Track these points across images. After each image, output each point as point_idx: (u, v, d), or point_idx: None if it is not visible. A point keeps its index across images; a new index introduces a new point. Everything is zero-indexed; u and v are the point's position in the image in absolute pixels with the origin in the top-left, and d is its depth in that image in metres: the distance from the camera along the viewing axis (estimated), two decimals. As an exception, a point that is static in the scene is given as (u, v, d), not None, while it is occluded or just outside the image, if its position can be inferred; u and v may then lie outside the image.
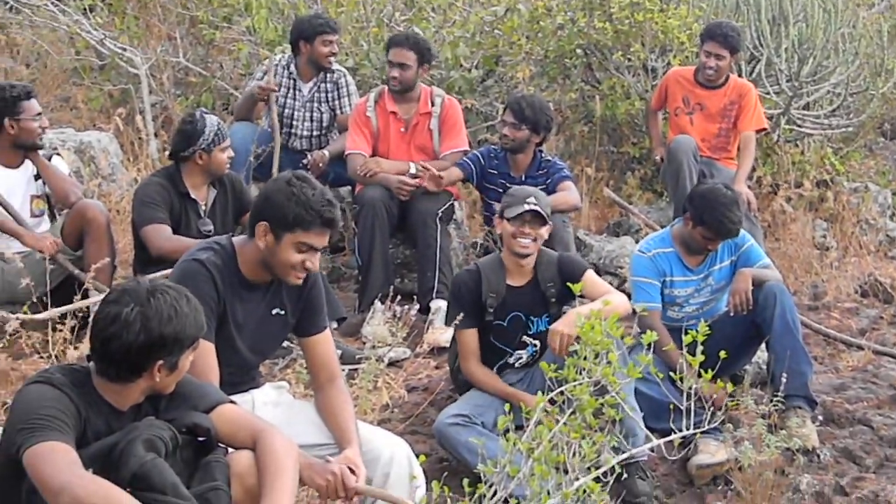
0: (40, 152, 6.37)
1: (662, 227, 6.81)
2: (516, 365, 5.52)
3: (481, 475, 4.19)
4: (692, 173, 7.50)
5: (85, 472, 3.08)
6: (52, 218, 6.57)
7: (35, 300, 5.83)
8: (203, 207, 6.25)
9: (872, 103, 9.49)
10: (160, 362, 3.30)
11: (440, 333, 6.32)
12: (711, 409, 4.66)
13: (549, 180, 6.97)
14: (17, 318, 5.48)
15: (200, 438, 3.42)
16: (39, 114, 6.35)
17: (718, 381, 4.67)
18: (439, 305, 6.60)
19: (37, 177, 6.49)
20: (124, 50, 9.44)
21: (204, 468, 3.33)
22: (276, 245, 4.01)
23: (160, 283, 3.41)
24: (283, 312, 4.30)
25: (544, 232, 5.40)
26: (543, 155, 7.12)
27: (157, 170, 7.07)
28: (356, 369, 5.34)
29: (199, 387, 3.65)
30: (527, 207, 5.28)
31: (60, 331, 5.36)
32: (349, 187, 7.62)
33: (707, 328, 4.39)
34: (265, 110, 7.87)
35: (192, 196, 6.19)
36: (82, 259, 6.24)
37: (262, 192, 4.24)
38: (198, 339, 3.47)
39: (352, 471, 3.80)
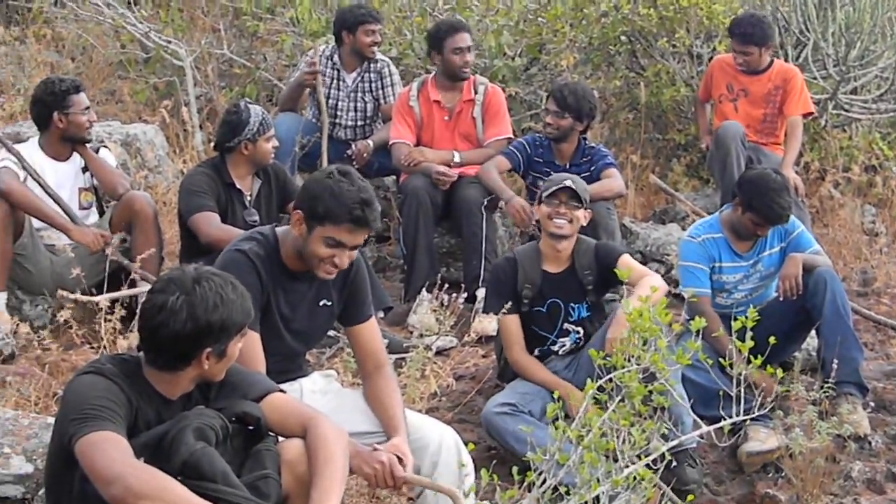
0: (88, 145, 6.42)
1: (709, 213, 6.79)
2: (560, 352, 5.52)
3: (530, 463, 4.21)
4: (740, 159, 7.45)
5: (137, 462, 3.11)
6: (101, 210, 6.62)
7: (84, 291, 5.86)
8: (248, 198, 6.28)
9: (921, 87, 9.38)
10: (208, 350, 3.33)
11: (487, 322, 6.25)
12: (761, 395, 4.65)
13: (593, 167, 6.95)
14: (74, 299, 5.61)
15: (250, 427, 3.45)
16: (88, 108, 6.40)
17: (768, 367, 4.62)
18: (485, 294, 6.59)
19: (84, 169, 6.55)
20: (169, 42, 9.50)
21: (254, 457, 3.36)
22: (308, 236, 4.04)
23: (205, 271, 3.43)
24: (329, 303, 4.33)
25: (580, 215, 5.41)
26: (588, 142, 7.10)
27: (202, 161, 7.12)
28: (403, 358, 5.36)
29: (249, 375, 3.68)
30: (562, 185, 5.29)
31: (110, 321, 5.40)
32: (394, 177, 7.65)
33: (756, 314, 4.37)
34: (310, 101, 7.91)
35: (238, 186, 6.23)
36: (130, 250, 6.29)
37: (306, 181, 4.25)
38: (245, 326, 3.49)
39: (400, 459, 3.83)
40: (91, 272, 6.07)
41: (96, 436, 3.13)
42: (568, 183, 5.34)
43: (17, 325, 5.59)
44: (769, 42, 7.80)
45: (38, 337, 5.63)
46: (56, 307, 6.11)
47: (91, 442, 3.12)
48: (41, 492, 4.33)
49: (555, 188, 5.34)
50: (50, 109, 6.31)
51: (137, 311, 5.84)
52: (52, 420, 4.52)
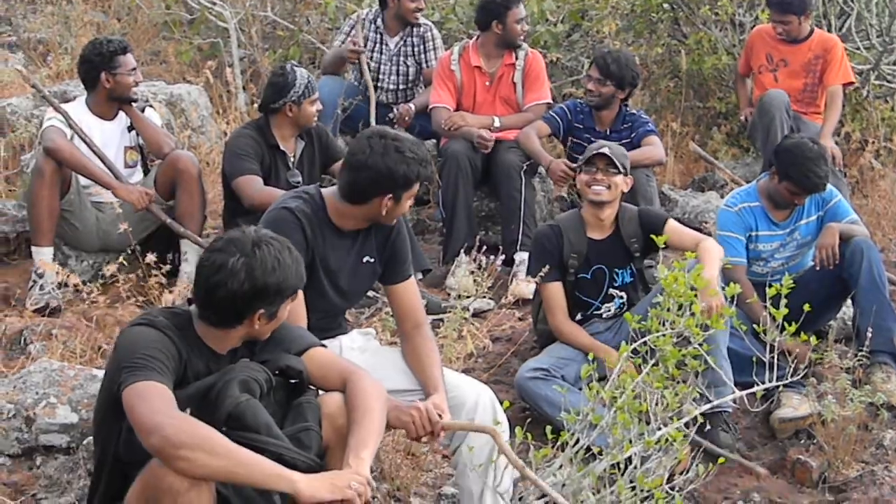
0: (134, 105, 6.49)
1: (748, 182, 6.79)
2: (604, 316, 5.56)
3: (564, 424, 4.27)
4: (784, 127, 7.42)
5: (178, 413, 3.17)
6: (146, 169, 6.68)
7: (129, 247, 5.96)
8: (292, 159, 6.33)
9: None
10: (261, 311, 3.41)
11: (524, 286, 6.31)
12: (795, 362, 4.70)
13: (633, 134, 6.98)
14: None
15: (293, 381, 3.52)
16: (134, 69, 6.44)
17: (802, 335, 4.66)
18: (523, 258, 6.63)
19: (130, 128, 6.61)
20: (213, 4, 9.54)
21: (296, 409, 3.42)
22: (395, 207, 4.19)
23: (265, 234, 3.51)
24: (371, 260, 4.38)
25: (619, 181, 5.43)
26: (628, 109, 7.12)
27: (246, 122, 7.15)
28: (441, 319, 5.40)
29: (292, 330, 3.75)
30: (598, 152, 5.34)
31: (156, 276, 5.49)
32: (434, 141, 7.65)
33: (792, 282, 4.42)
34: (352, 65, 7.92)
35: (282, 148, 6.27)
36: (174, 208, 6.35)
37: (368, 165, 4.24)
38: (297, 290, 3.57)
39: (439, 413, 3.88)
40: (136, 229, 6.14)
41: (142, 385, 3.20)
42: (604, 150, 5.37)
43: (68, 275, 5.63)
44: (808, 10, 7.76)
45: (86, 291, 5.71)
46: (102, 263, 6.19)
47: (137, 391, 3.19)
48: (86, 441, 4.44)
49: (591, 155, 5.38)
50: (97, 69, 6.36)
51: (180, 268, 5.96)
52: (97, 372, 4.65)
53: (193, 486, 3.09)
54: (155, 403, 3.17)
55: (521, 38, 7.35)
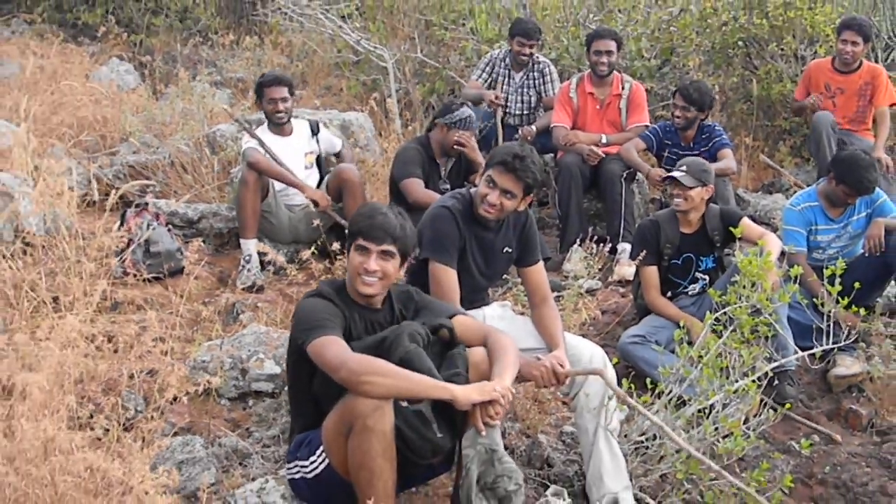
0: (288, 123, 6.74)
1: (808, 186, 6.77)
2: (690, 293, 5.61)
3: (659, 378, 4.37)
4: (831, 142, 7.41)
5: (353, 353, 3.37)
6: (321, 172, 6.87)
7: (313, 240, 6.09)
8: (443, 171, 6.46)
9: None
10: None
11: (626, 269, 6.39)
12: (847, 330, 4.72)
13: (711, 144, 6.99)
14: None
15: (444, 339, 3.66)
16: (277, 98, 6.63)
17: (853, 308, 4.70)
18: (624, 247, 6.71)
19: (313, 133, 6.84)
20: (375, 48, 9.68)
21: (449, 358, 3.55)
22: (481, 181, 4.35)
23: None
24: (509, 250, 4.48)
25: (695, 193, 5.47)
26: (705, 122, 7.13)
27: (415, 137, 7.23)
28: (561, 295, 5.45)
29: (440, 303, 3.92)
30: (672, 175, 5.42)
31: (340, 259, 5.66)
32: (552, 154, 7.68)
33: (845, 265, 4.48)
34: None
35: (437, 161, 6.41)
36: (342, 210, 6.53)
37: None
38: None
39: (561, 365, 3.98)
40: (313, 229, 6.26)
41: (322, 339, 3.40)
42: (675, 174, 5.45)
43: (276, 257, 5.76)
44: (871, 40, 7.74)
45: (284, 273, 5.92)
46: (293, 252, 6.37)
47: (319, 343, 3.40)
48: (286, 387, 4.64)
49: (667, 177, 5.46)
50: (258, 97, 6.75)
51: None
52: (294, 333, 4.83)
53: (376, 409, 3.25)
54: (335, 349, 3.37)
55: (598, 66, 7.35)
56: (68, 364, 3.43)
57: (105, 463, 3.16)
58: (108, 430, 3.63)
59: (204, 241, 6.02)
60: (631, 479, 4.07)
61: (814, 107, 7.69)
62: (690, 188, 5.44)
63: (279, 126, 6.67)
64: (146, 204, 6.29)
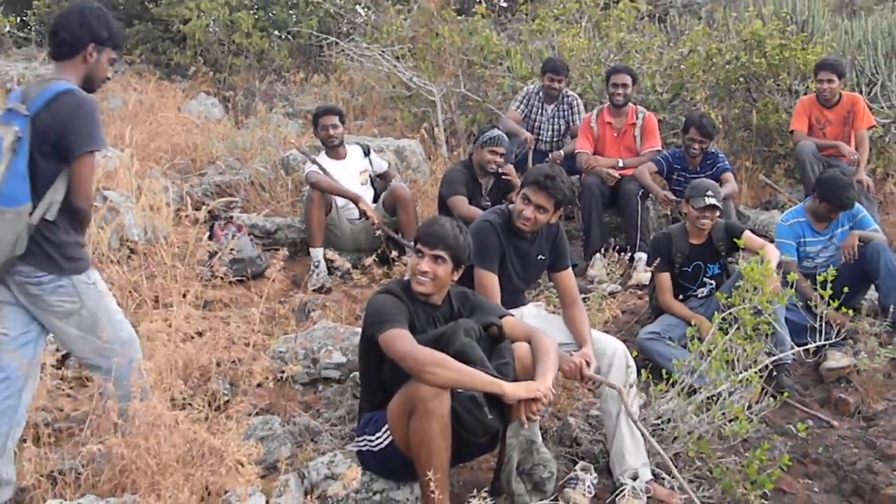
0: (369, 147, 6.82)
1: (800, 203, 6.74)
2: (699, 296, 5.57)
3: (672, 369, 4.36)
4: (814, 167, 7.37)
5: (419, 345, 3.39)
6: (374, 189, 6.88)
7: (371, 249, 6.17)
8: (484, 190, 6.46)
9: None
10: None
11: (642, 275, 6.40)
12: (837, 328, 4.69)
13: (714, 169, 6.96)
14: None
15: (493, 335, 3.67)
16: (329, 125, 6.71)
17: (842, 309, 4.68)
18: (641, 256, 6.68)
19: (365, 154, 6.87)
20: (424, 84, 9.74)
21: (498, 350, 3.57)
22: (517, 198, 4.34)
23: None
24: (543, 258, 4.49)
25: (717, 214, 5.48)
26: (709, 149, 7.10)
27: (458, 161, 7.24)
28: (586, 298, 5.46)
29: (491, 305, 3.91)
30: (707, 202, 5.37)
31: (397, 265, 5.69)
32: (577, 176, 7.65)
33: (835, 272, 4.46)
34: (523, 124, 7.99)
35: (479, 181, 6.41)
36: (396, 222, 6.57)
37: None
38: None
39: (587, 362, 4.00)
40: (371, 237, 6.40)
41: (392, 331, 3.43)
42: (710, 198, 5.38)
43: (343, 263, 5.75)
44: (845, 75, 7.67)
45: (349, 276, 5.96)
46: (355, 258, 6.41)
47: (390, 335, 3.42)
48: (351, 374, 4.65)
49: (703, 205, 5.41)
50: (314, 125, 6.83)
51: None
52: (357, 329, 4.82)
53: (436, 395, 3.28)
54: (404, 341, 3.40)
55: (615, 97, 7.35)
56: (171, 353, 3.47)
57: (203, 437, 3.21)
58: (202, 410, 3.68)
59: (277, 250, 6.04)
60: (649, 457, 4.06)
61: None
62: (716, 211, 5.45)
63: (333, 149, 6.75)
64: (231, 217, 6.39)
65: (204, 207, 5.70)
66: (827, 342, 4.68)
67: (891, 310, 5.40)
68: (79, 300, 3.42)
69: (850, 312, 5.02)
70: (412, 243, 5.89)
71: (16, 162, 3.22)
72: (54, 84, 3.35)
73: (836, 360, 5.28)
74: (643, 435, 3.95)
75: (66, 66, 3.47)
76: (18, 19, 12.35)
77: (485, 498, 3.25)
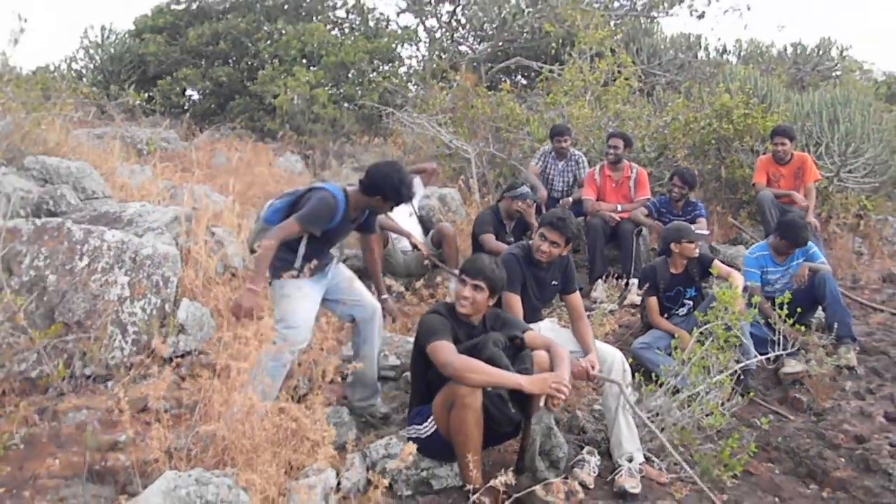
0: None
1: (760, 241, 6.66)
2: (680, 314, 5.50)
3: (660, 373, 4.31)
4: (772, 211, 7.27)
5: (459, 354, 3.37)
6: (425, 230, 6.78)
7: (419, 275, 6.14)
8: (508, 229, 6.43)
9: (891, 169, 8.94)
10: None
11: (635, 296, 6.32)
12: (792, 341, 4.62)
13: (691, 214, 6.89)
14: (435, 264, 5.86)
15: (517, 345, 3.66)
16: None
17: (795, 325, 4.61)
18: (634, 282, 6.58)
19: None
20: (462, 145, 9.73)
21: (520, 358, 3.56)
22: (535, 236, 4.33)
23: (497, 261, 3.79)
24: (556, 283, 4.47)
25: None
26: (690, 198, 7.05)
27: (488, 206, 7.19)
28: (590, 315, 5.41)
29: (518, 321, 3.89)
30: (699, 235, 5.40)
31: (440, 288, 5.66)
32: (582, 218, 7.63)
33: (790, 295, 4.39)
34: (540, 178, 7.95)
35: (504, 222, 6.39)
36: (441, 254, 6.50)
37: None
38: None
39: (592, 365, 3.99)
40: (421, 266, 6.34)
41: (438, 343, 3.42)
42: (703, 233, 5.45)
43: (397, 286, 5.62)
44: (796, 139, 7.58)
45: (402, 297, 5.92)
46: (409, 282, 6.34)
47: (436, 346, 3.41)
48: (404, 374, 4.65)
49: (693, 238, 5.47)
50: None
51: (448, 285, 6.06)
52: (409, 338, 4.82)
53: (471, 393, 3.27)
54: (446, 351, 3.38)
55: (607, 154, 7.31)
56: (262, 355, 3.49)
57: (289, 423, 3.21)
58: (287, 401, 3.69)
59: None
60: (641, 443, 4.02)
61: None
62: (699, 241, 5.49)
63: None
64: (310, 248, 6.38)
65: (289, 241, 5.73)
66: (784, 352, 4.62)
67: (835, 327, 5.33)
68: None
69: (803, 328, 4.91)
70: (455, 271, 5.97)
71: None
72: (321, 183, 3.99)
73: (792, 366, 5.20)
74: (642, 420, 3.91)
75: (356, 190, 4.01)
76: (147, 95, 12.58)
77: (510, 475, 3.22)
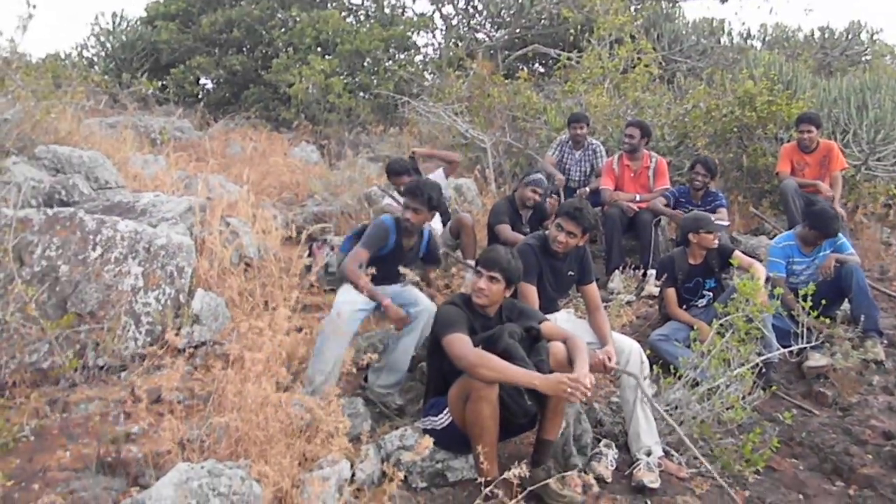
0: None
1: (783, 230, 6.59)
2: (699, 306, 5.47)
3: (679, 365, 4.27)
4: (796, 201, 7.18)
5: (474, 348, 3.36)
6: (444, 219, 6.79)
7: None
8: (524, 219, 6.39)
9: (920, 157, 8.82)
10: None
11: (653, 288, 6.26)
12: (816, 333, 4.57)
13: (711, 204, 6.83)
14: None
15: (533, 336, 3.64)
16: (402, 184, 6.58)
17: (821, 318, 4.56)
18: (652, 272, 6.51)
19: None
20: (478, 135, 9.70)
21: (536, 350, 3.54)
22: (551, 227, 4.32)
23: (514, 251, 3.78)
24: (572, 273, 4.45)
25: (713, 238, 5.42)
26: (710, 188, 6.99)
27: (504, 196, 7.15)
28: (607, 306, 5.39)
29: (534, 311, 3.87)
30: (718, 225, 5.33)
31: (455, 278, 5.65)
32: (600, 208, 7.60)
33: (814, 287, 4.35)
34: (557, 166, 7.92)
35: (520, 212, 6.35)
36: (459, 244, 6.46)
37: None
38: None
39: (609, 357, 3.96)
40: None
41: (453, 335, 3.40)
42: (722, 223, 5.35)
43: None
44: (821, 126, 7.48)
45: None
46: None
47: (450, 338, 3.40)
48: (420, 365, 4.61)
49: (712, 228, 5.42)
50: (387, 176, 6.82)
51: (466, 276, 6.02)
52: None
53: (486, 387, 3.25)
54: (462, 344, 3.37)
55: (624, 143, 7.24)
56: (276, 345, 3.49)
57: (303, 414, 3.21)
58: (301, 392, 3.69)
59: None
60: (660, 437, 4.00)
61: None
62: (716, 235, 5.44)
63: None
64: (325, 239, 6.39)
65: (304, 231, 5.74)
66: (808, 345, 4.57)
67: (861, 319, 5.26)
68: None
69: (827, 321, 4.87)
70: (470, 262, 5.95)
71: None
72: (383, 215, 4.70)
73: (816, 359, 5.15)
74: (660, 413, 3.90)
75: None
76: (160, 83, 12.63)
77: (524, 468, 3.21)
